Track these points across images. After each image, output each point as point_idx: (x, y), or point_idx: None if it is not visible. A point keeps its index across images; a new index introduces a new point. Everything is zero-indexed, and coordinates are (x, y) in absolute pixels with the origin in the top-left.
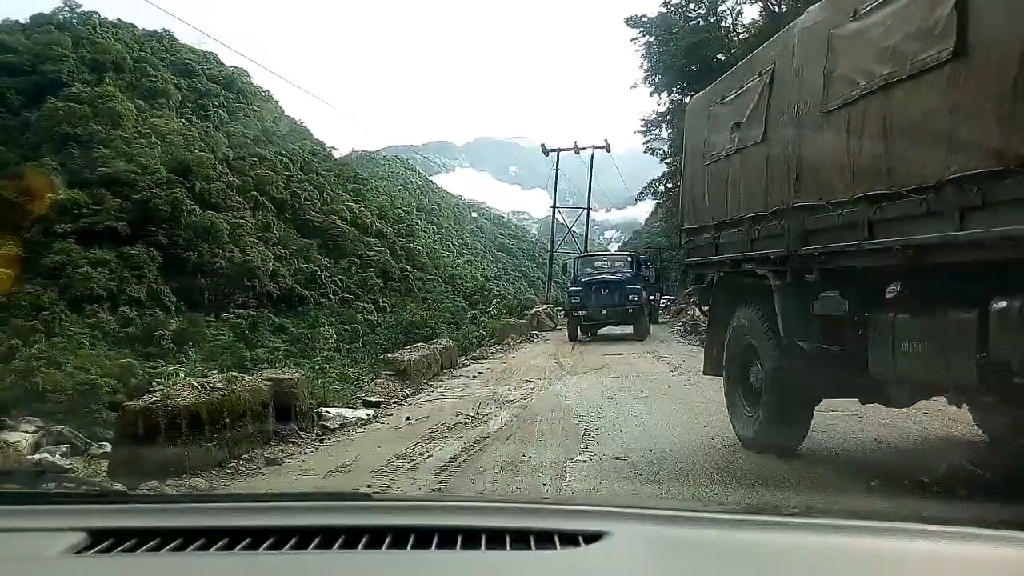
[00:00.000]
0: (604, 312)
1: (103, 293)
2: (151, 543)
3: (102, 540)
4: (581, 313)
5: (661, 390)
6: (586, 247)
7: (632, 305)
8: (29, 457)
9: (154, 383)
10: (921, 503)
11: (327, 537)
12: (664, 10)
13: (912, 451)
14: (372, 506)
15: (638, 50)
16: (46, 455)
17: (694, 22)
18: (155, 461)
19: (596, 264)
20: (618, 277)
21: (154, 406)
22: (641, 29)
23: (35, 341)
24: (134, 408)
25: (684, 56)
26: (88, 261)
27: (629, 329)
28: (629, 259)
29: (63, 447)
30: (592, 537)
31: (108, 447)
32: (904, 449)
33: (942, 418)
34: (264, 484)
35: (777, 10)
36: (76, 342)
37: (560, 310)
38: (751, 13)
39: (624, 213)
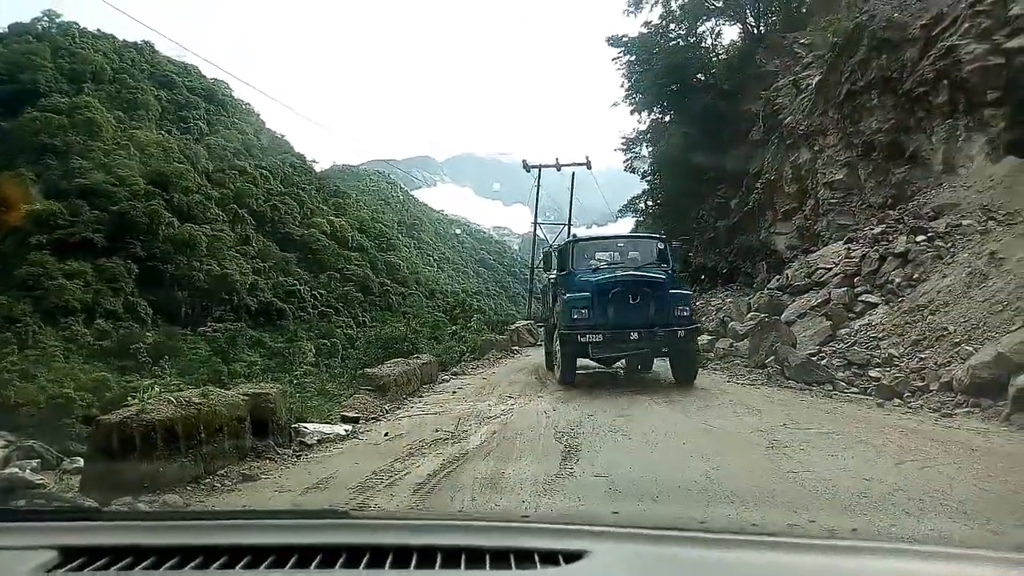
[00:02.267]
0: (633, 338)
1: (78, 305)
2: (124, 561)
3: (74, 558)
4: (591, 339)
5: None
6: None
7: (680, 325)
8: None
9: (129, 397)
10: (899, 522)
11: (304, 556)
12: (645, 30)
13: None
14: (350, 524)
15: (619, 69)
16: (16, 470)
17: (674, 42)
18: (129, 476)
19: (605, 253)
20: (653, 276)
21: (128, 420)
22: (622, 49)
23: (7, 354)
24: (108, 422)
25: (664, 76)
26: (63, 273)
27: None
28: (659, 245)
29: (34, 462)
30: (572, 556)
31: (80, 462)
32: None
33: None
34: (240, 500)
35: (756, 32)
36: (50, 355)
37: (541, 326)
38: (730, 34)
39: (605, 230)
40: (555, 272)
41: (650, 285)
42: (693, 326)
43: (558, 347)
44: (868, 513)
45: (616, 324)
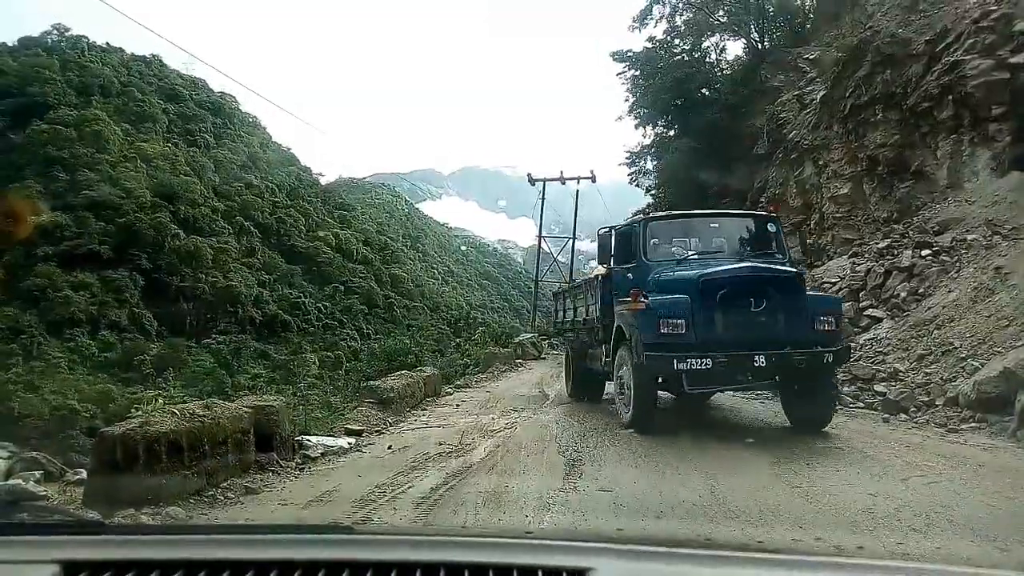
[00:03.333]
0: (758, 363)
1: (83, 317)
2: None
3: (76, 573)
4: (692, 365)
5: None
6: (571, 277)
7: (826, 344)
8: (1, 484)
9: (133, 409)
10: (906, 538)
11: (307, 571)
12: (649, 45)
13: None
14: (353, 539)
15: (624, 84)
16: (19, 481)
17: (678, 57)
18: (132, 489)
19: (691, 238)
20: (781, 269)
21: (132, 432)
22: (627, 64)
23: (12, 365)
24: (112, 434)
25: (669, 90)
26: (69, 285)
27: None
28: (769, 227)
29: (37, 473)
30: (576, 573)
31: (84, 474)
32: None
33: None
34: (243, 514)
35: (760, 47)
36: (55, 366)
37: (545, 339)
38: (735, 49)
39: None
40: (613, 266)
41: (778, 283)
42: (844, 346)
43: (627, 375)
44: (874, 529)
45: (732, 342)
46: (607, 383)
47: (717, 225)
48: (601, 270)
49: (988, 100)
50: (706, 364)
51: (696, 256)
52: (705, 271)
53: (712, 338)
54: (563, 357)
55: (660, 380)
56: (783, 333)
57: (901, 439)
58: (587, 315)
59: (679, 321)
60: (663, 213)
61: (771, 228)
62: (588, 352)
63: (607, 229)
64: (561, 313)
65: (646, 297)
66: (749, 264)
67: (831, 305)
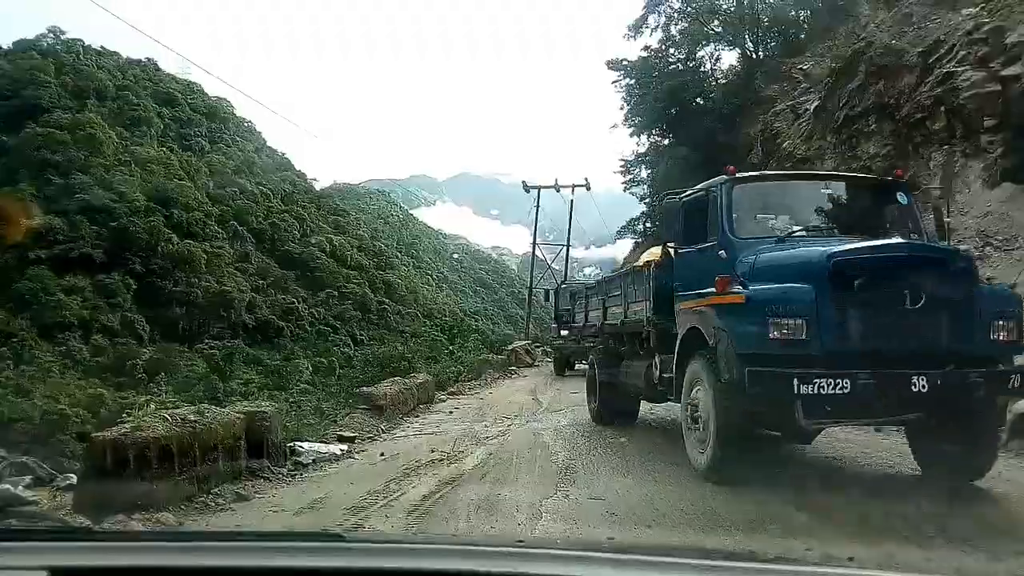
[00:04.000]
0: (918, 388)
1: (76, 321)
2: None
3: None
4: (822, 388)
5: None
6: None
7: (1006, 356)
8: None
9: (124, 414)
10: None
11: None
12: (645, 54)
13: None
14: (344, 547)
15: (619, 92)
16: (8, 487)
17: (673, 66)
18: (123, 495)
19: (794, 204)
20: (938, 250)
21: (123, 438)
22: (622, 72)
23: (3, 369)
24: (102, 439)
25: (663, 99)
26: (62, 288)
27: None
28: (899, 197)
29: (27, 478)
30: None
31: (74, 479)
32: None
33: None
34: (233, 520)
35: (754, 57)
36: (46, 370)
37: (539, 347)
38: (729, 59)
39: (603, 251)
40: (679, 247)
41: (942, 270)
42: None
43: (706, 400)
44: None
45: (876, 355)
46: (641, 402)
47: (828, 191)
48: (652, 255)
49: (980, 111)
50: (843, 387)
51: (803, 232)
52: (834, 249)
53: (847, 348)
54: (552, 364)
55: (773, 408)
56: (947, 342)
57: (890, 447)
58: (625, 316)
59: (797, 322)
60: (754, 173)
61: (902, 199)
62: (624, 365)
63: (672, 196)
64: (577, 316)
65: (743, 286)
66: (901, 241)
67: (1010, 304)
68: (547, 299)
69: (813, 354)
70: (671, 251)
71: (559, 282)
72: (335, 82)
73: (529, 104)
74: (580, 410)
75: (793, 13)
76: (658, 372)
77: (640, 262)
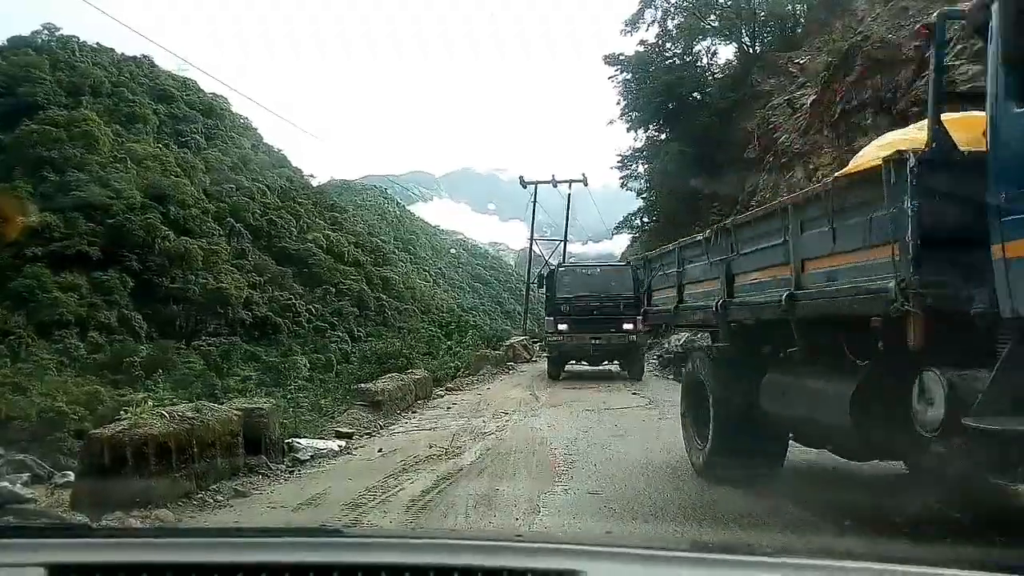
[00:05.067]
0: None
1: (72, 318)
2: None
3: None
4: None
5: None
6: None
7: None
8: None
9: (122, 411)
10: (895, 543)
11: (296, 574)
12: (641, 49)
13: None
14: (342, 542)
15: (616, 87)
16: (6, 484)
17: (670, 61)
18: (120, 492)
19: None
20: None
21: (121, 435)
22: (619, 67)
23: (0, 366)
24: (100, 436)
25: (660, 94)
26: (58, 286)
27: None
28: None
29: (25, 476)
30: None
31: (72, 476)
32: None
33: None
34: (232, 516)
35: (751, 51)
36: (43, 368)
37: (535, 342)
38: (726, 53)
39: (600, 247)
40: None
41: None
42: None
43: None
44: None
45: None
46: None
47: None
48: (901, 142)
49: (977, 105)
50: None
51: None
52: None
53: None
54: (547, 364)
55: None
56: None
57: None
58: (808, 287)
59: None
60: None
61: None
62: (774, 382)
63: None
64: (657, 296)
65: None
66: None
67: None
68: (541, 286)
69: None
70: (962, 125)
71: (555, 265)
72: (332, 78)
73: (527, 100)
74: (578, 407)
75: (789, 7)
76: (926, 404)
77: (866, 162)
